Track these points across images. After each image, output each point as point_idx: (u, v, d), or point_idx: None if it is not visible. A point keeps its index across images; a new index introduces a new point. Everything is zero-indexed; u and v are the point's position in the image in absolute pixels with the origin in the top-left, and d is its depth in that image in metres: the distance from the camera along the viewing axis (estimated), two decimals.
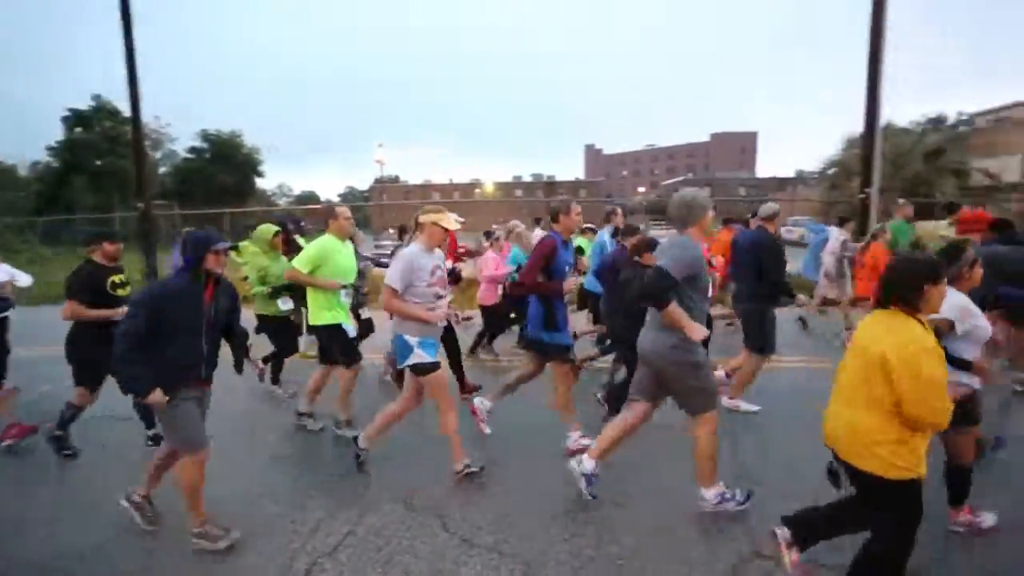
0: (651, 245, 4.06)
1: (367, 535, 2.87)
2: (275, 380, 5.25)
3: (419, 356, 3.28)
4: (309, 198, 64.26)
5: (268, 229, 4.95)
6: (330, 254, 4.01)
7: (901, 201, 7.73)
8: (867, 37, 9.10)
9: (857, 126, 9.60)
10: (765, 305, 4.59)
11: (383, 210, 41.73)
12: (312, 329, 4.22)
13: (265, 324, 4.93)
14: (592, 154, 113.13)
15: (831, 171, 18.86)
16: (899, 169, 15.35)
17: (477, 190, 74.12)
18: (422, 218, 3.37)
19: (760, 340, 4.57)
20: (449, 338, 4.83)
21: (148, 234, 10.73)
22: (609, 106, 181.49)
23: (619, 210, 5.83)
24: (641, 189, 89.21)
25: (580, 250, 5.10)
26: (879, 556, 2.12)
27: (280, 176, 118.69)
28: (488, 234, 6.60)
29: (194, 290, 2.69)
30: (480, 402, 4.16)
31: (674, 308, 2.77)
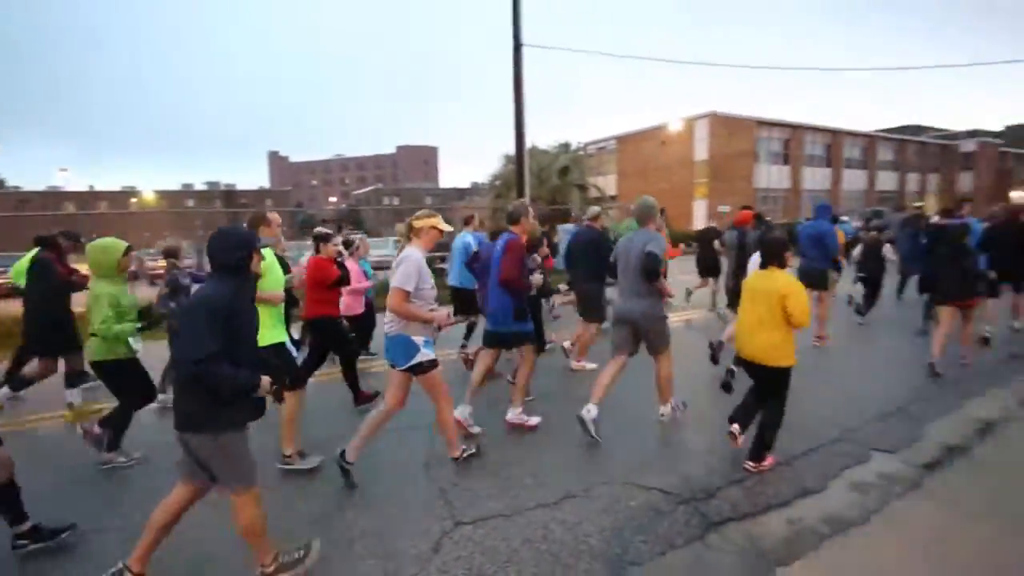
0: (539, 243, 5.52)
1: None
2: (116, 444, 4.00)
3: (424, 355, 3.46)
4: None
5: (116, 246, 3.78)
6: (269, 264, 3.64)
7: (619, 205, 10.44)
8: (512, 84, 11.39)
9: (511, 147, 11.94)
10: (599, 285, 5.88)
11: None
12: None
13: (111, 371, 3.84)
14: (277, 162, 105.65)
15: (497, 183, 22.22)
16: (543, 183, 19.31)
17: (133, 199, 61.52)
18: (418, 223, 3.51)
19: (597, 313, 5.91)
20: (345, 346, 4.98)
21: None
22: (293, 111, 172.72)
23: (476, 214, 6.79)
24: (333, 199, 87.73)
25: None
26: (772, 423, 3.70)
27: None
28: (348, 244, 6.37)
29: (249, 297, 2.51)
30: (461, 411, 4.30)
31: (662, 280, 4.13)
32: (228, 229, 2.51)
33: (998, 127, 57.32)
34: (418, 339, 3.45)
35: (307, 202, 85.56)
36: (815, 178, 35.43)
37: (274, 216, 4.00)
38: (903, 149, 41.23)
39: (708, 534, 2.99)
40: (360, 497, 3.47)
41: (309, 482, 3.69)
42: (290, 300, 4.12)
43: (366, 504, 3.38)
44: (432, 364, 3.51)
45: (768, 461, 3.70)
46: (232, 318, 2.30)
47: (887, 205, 26.27)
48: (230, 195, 69.10)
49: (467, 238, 6.25)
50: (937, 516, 3.16)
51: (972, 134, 48.53)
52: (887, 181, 39.85)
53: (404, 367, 3.49)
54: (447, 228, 3.62)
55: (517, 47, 11.80)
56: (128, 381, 3.92)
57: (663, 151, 32.45)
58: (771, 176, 33.28)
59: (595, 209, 6.61)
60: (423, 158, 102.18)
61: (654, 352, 4.32)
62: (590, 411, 4.11)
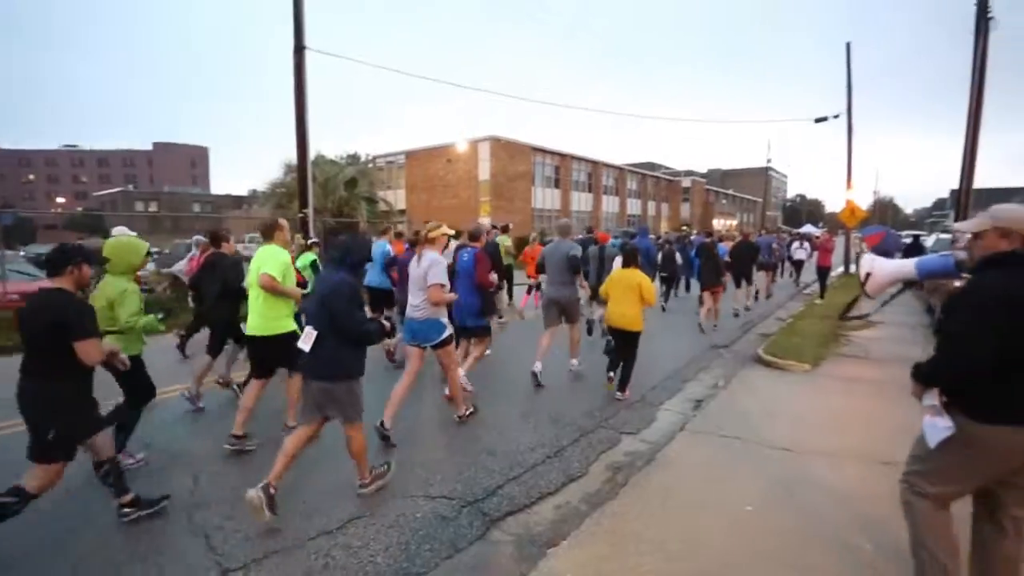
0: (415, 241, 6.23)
1: None
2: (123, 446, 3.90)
3: (449, 331, 4.62)
4: None
5: (143, 246, 4.07)
6: (288, 263, 4.41)
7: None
8: (293, 88, 10.70)
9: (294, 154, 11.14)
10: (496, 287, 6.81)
11: None
12: (267, 340, 4.32)
13: (133, 366, 3.74)
14: None
15: (281, 190, 20.39)
16: (329, 194, 18.39)
17: None
18: (433, 234, 4.60)
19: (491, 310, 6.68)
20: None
21: None
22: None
23: (390, 228, 8.52)
24: (61, 199, 70.78)
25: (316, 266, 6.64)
26: (630, 366, 5.62)
27: None
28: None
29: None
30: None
31: (581, 274, 6.25)
32: (361, 236, 3.76)
33: (704, 169, 73.74)
34: (444, 320, 4.60)
35: (20, 202, 67.21)
36: (580, 202, 40.62)
37: (284, 222, 4.64)
38: (644, 181, 49.90)
39: (490, 531, 3.20)
40: (117, 550, 2.90)
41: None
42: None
43: (118, 563, 2.81)
44: (451, 338, 4.69)
45: (627, 393, 5.57)
46: (356, 298, 3.34)
47: (634, 227, 31.36)
48: None
49: (386, 247, 7.33)
50: (665, 477, 3.88)
51: (688, 173, 61.52)
52: (634, 207, 47.73)
53: (436, 343, 4.56)
54: (451, 232, 4.86)
55: (299, 49, 11.21)
56: (140, 377, 3.96)
57: (450, 169, 33.76)
58: (545, 198, 37.10)
59: (484, 224, 8.38)
60: (189, 159, 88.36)
61: (571, 322, 6.32)
62: (537, 366, 5.95)
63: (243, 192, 56.18)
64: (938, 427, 2.17)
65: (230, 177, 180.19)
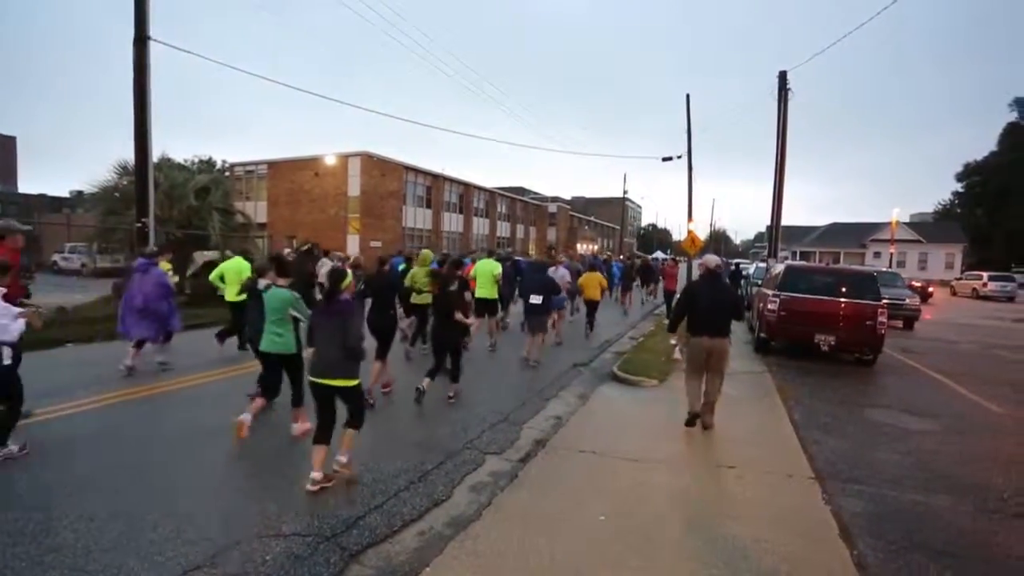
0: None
1: None
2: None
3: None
4: None
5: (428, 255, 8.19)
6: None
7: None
8: (133, 83, 9.54)
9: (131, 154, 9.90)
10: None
11: None
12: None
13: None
14: None
15: (116, 195, 17.73)
16: (176, 202, 16.46)
17: None
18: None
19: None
20: None
21: None
22: None
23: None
24: None
25: None
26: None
27: None
28: None
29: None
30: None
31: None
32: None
33: (569, 196, 78.78)
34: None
35: None
36: (452, 223, 40.96)
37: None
38: (514, 205, 51.78)
39: (350, 566, 3.07)
40: None
41: None
42: None
43: None
44: None
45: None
46: None
47: (502, 250, 32.30)
48: None
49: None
50: (526, 495, 4.04)
51: (555, 200, 65.05)
52: (504, 229, 49.23)
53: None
54: None
55: (141, 40, 10.11)
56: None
57: (317, 182, 32.15)
58: (416, 217, 36.85)
59: (427, 252, 8.36)
60: None
61: (540, 332, 8.57)
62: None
63: (63, 193, 48.19)
64: None
65: (46, 175, 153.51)
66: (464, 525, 3.56)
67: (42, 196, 46.39)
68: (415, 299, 7.83)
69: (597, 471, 4.53)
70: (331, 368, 3.95)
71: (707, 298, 5.60)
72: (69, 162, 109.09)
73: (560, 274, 10.16)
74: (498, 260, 10.44)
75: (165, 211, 15.50)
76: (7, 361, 4.15)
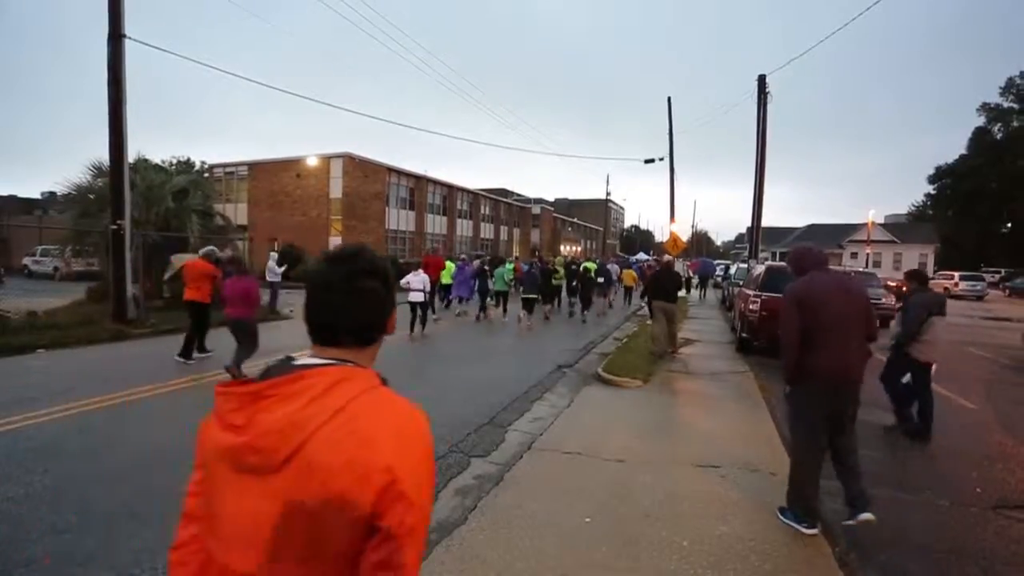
0: None
1: None
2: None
3: None
4: None
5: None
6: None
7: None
8: (107, 81, 9.31)
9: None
10: None
11: None
12: None
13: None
14: None
15: (91, 196, 17.23)
16: (153, 204, 16.12)
17: None
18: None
19: None
20: None
21: None
22: None
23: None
24: None
25: None
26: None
27: None
28: None
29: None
30: None
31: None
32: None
33: (552, 198, 79.01)
34: None
35: None
36: (435, 224, 40.80)
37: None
38: (497, 207, 51.77)
39: None
40: None
41: None
42: None
43: None
44: None
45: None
46: None
47: (486, 251, 32.27)
48: None
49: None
50: (512, 497, 4.02)
51: (538, 201, 65.21)
52: (488, 231, 49.19)
53: None
54: None
55: (116, 36, 9.91)
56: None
57: (299, 184, 31.80)
58: (400, 219, 36.63)
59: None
60: None
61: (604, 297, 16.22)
62: None
63: (33, 194, 46.88)
64: None
65: (17, 176, 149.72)
66: (449, 529, 3.53)
67: (12, 198, 45.11)
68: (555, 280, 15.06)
69: (582, 472, 4.53)
70: None
71: (665, 279, 10.12)
72: (41, 164, 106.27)
73: (612, 268, 18.89)
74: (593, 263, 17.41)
75: (142, 213, 15.18)
76: None
